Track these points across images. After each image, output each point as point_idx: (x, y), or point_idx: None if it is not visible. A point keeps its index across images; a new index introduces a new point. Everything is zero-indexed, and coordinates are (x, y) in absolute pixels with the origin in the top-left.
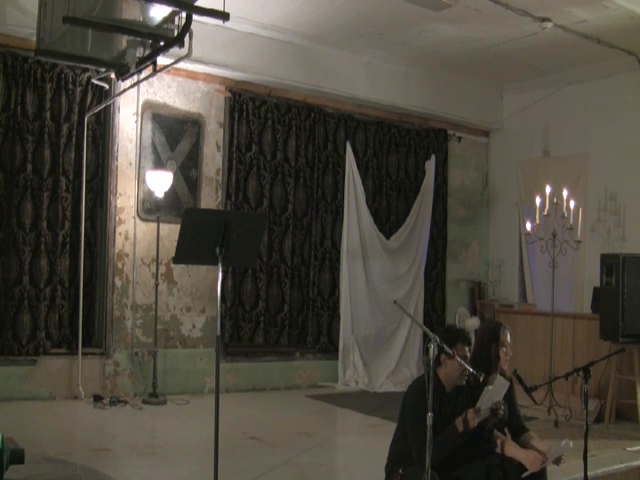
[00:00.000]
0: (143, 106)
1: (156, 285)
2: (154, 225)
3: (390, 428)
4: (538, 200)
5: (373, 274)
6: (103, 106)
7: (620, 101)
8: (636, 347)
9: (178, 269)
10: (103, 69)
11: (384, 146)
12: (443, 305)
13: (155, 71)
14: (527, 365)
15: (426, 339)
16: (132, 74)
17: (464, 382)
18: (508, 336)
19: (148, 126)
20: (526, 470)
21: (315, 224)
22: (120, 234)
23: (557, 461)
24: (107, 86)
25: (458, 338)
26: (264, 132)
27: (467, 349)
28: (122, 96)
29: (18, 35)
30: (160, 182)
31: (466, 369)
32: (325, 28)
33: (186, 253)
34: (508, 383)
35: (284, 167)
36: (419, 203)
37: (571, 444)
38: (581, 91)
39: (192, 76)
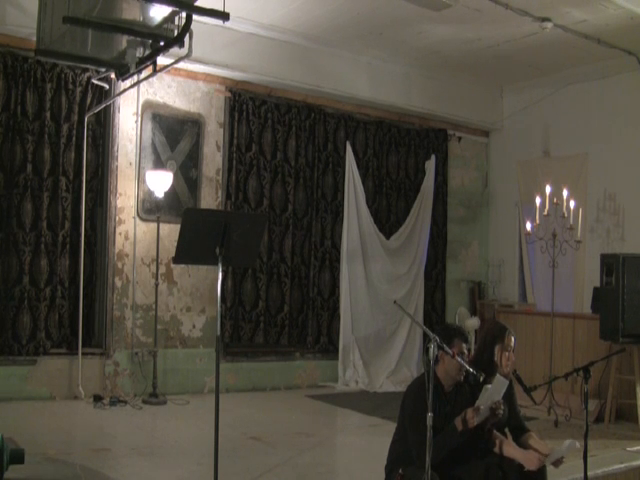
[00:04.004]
0: (143, 106)
1: (156, 285)
2: (154, 225)
3: (390, 428)
4: (538, 200)
5: (373, 274)
6: (103, 106)
7: (620, 101)
8: (636, 347)
9: (178, 269)
10: (103, 69)
11: (384, 146)
12: (443, 305)
13: (155, 71)
14: (527, 365)
15: (426, 339)
16: (132, 74)
17: (462, 378)
18: (513, 340)
19: (148, 126)
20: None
21: (315, 224)
22: (120, 234)
23: (557, 463)
24: (107, 86)
25: (456, 335)
26: (264, 132)
27: (464, 346)
28: (122, 96)
29: (18, 35)
30: (160, 182)
31: (464, 365)
32: (325, 28)
33: (186, 253)
34: (507, 382)
35: (284, 167)
36: (419, 203)
37: (577, 445)
38: (581, 91)
39: (192, 76)
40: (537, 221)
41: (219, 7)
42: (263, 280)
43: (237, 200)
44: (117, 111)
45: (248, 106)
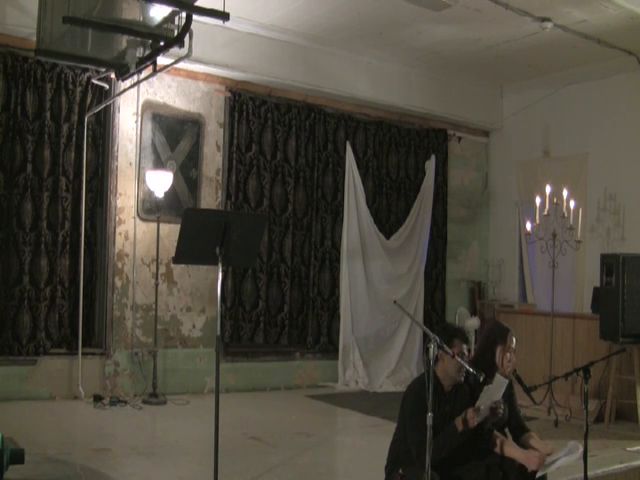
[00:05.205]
0: (143, 106)
1: (156, 285)
2: (154, 225)
3: (390, 428)
4: (538, 200)
5: (373, 274)
6: (103, 106)
7: (620, 101)
8: (636, 347)
9: (178, 269)
10: (103, 69)
11: (384, 146)
12: (443, 305)
13: (155, 71)
14: (527, 365)
15: (426, 339)
16: (132, 74)
17: (462, 379)
18: (514, 342)
19: (148, 126)
20: (526, 470)
21: (315, 224)
22: (120, 234)
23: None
24: (107, 86)
25: (456, 335)
26: (264, 132)
27: (465, 347)
28: (122, 96)
29: (18, 35)
30: (160, 182)
31: (464, 366)
32: (325, 28)
33: (186, 253)
34: (507, 381)
35: (284, 167)
36: (419, 203)
37: (580, 448)
38: (581, 91)
39: (192, 76)
40: (537, 221)
41: (219, 7)
42: (263, 280)
43: (237, 200)
44: (117, 111)
45: (248, 106)
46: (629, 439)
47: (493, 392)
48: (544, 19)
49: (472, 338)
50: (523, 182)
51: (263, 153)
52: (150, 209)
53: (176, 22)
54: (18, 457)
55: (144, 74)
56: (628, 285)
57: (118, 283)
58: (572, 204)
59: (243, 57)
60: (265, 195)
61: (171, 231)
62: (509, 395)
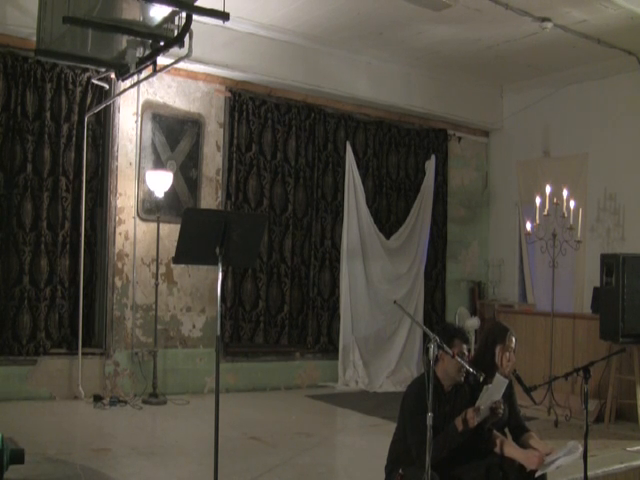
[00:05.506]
0: (143, 106)
1: (156, 285)
2: (154, 225)
3: (390, 428)
4: (538, 200)
5: (373, 274)
6: (103, 106)
7: (620, 101)
8: (636, 347)
9: (178, 269)
10: (103, 69)
11: (384, 146)
12: (443, 305)
13: (155, 71)
14: (527, 365)
15: (426, 339)
16: (132, 74)
17: (462, 379)
18: (514, 341)
19: (148, 126)
20: (526, 470)
21: (315, 224)
22: (120, 234)
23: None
24: (107, 86)
25: (456, 335)
26: (264, 132)
27: (465, 347)
28: (122, 96)
29: (18, 35)
30: (160, 182)
31: (464, 365)
32: (325, 28)
33: (186, 253)
34: (507, 381)
35: (284, 167)
36: (419, 203)
37: (580, 448)
38: (581, 91)
39: (192, 76)
40: (537, 221)
41: (219, 7)
42: (263, 280)
43: (237, 200)
44: (117, 111)
45: (248, 106)
46: (629, 439)
47: (493, 392)
48: (544, 19)
49: (472, 338)
50: (523, 182)
51: (263, 153)
52: (150, 209)
53: (176, 22)
54: (18, 457)
55: (144, 74)
56: (628, 285)
57: (118, 283)
58: (572, 204)
59: (243, 57)
60: (265, 195)
61: (171, 231)
62: (509, 395)
